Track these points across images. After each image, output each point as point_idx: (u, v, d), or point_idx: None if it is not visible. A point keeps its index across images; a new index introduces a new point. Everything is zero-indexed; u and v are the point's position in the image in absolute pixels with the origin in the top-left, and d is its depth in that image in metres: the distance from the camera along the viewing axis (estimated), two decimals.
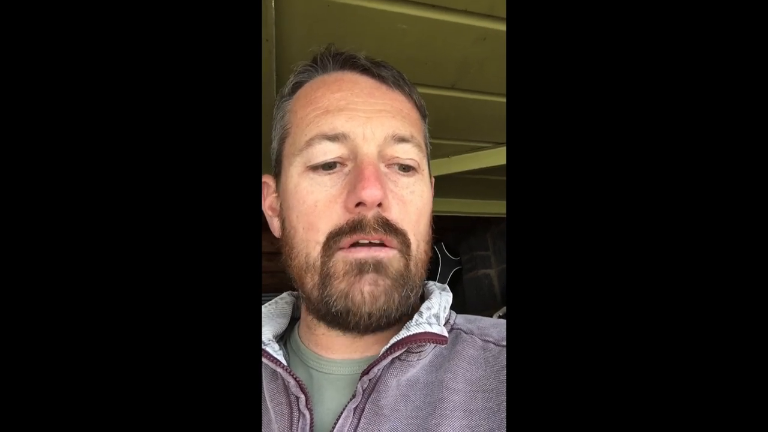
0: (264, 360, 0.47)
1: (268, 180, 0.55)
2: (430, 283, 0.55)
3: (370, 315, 0.45)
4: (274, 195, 0.53)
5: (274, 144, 0.53)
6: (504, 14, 0.75)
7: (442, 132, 1.15)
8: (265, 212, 0.55)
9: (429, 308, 0.49)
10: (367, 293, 0.44)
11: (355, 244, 0.45)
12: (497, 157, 1.30)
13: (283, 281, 0.53)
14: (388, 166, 0.48)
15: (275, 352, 0.47)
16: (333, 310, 0.45)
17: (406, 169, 0.48)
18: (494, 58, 0.85)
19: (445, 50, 0.82)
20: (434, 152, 1.18)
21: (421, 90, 0.96)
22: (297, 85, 0.52)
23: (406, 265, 0.47)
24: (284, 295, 0.59)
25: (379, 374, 0.46)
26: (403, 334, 0.46)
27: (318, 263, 0.46)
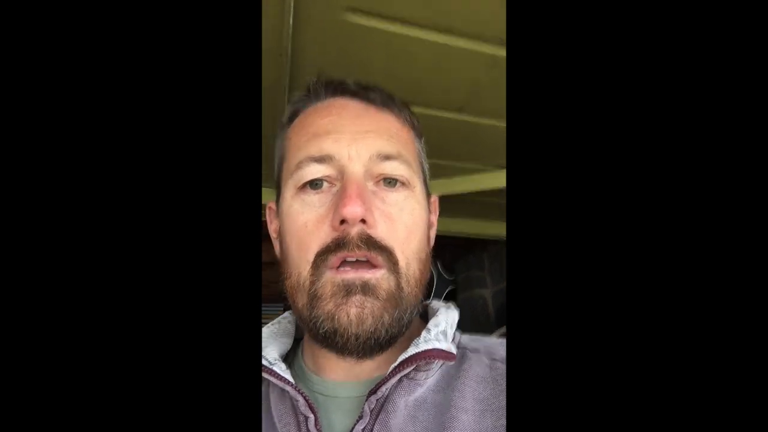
0: (273, 379, 0.47)
1: (272, 205, 0.57)
2: (435, 301, 0.56)
3: (357, 336, 0.45)
4: (277, 219, 0.55)
5: (276, 170, 0.56)
6: None
7: (445, 153, 1.15)
8: (271, 236, 0.57)
9: (436, 325, 0.49)
10: (354, 315, 0.45)
11: (343, 263, 0.46)
12: (497, 179, 1.31)
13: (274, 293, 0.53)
14: (376, 183, 0.49)
15: (283, 371, 0.47)
16: (321, 331, 0.46)
17: (393, 184, 0.49)
18: (503, 83, 0.86)
19: (455, 74, 0.83)
20: (436, 172, 1.19)
21: (428, 112, 0.98)
22: (293, 114, 0.55)
23: (398, 284, 0.47)
24: (286, 314, 0.59)
25: (386, 394, 0.46)
26: (412, 351, 0.46)
27: (307, 283, 0.47)
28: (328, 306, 0.45)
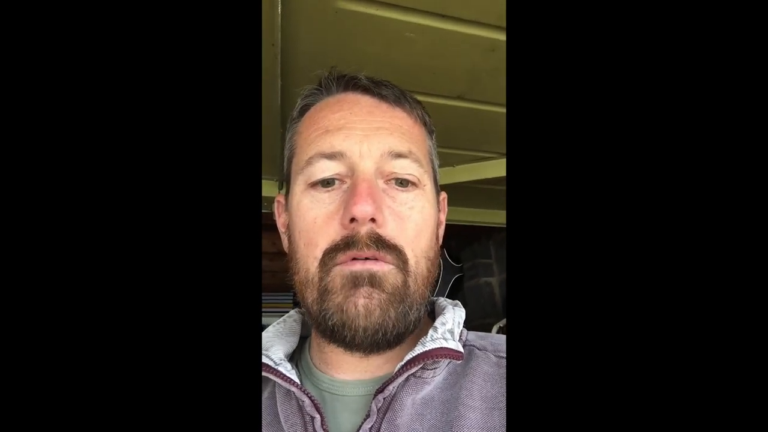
0: (278, 380, 0.47)
1: (281, 199, 0.57)
2: (441, 299, 0.56)
3: (365, 329, 0.45)
4: (285, 213, 0.55)
5: (285, 164, 0.55)
6: None
7: (447, 141, 1.14)
8: (279, 230, 0.57)
9: (443, 323, 0.49)
10: (362, 306, 0.45)
11: (353, 259, 0.46)
12: (502, 168, 1.30)
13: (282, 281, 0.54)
14: (387, 182, 0.49)
15: (288, 371, 0.47)
16: (330, 323, 0.46)
17: (404, 184, 0.49)
18: (503, 69, 0.84)
19: (454, 60, 0.81)
20: (440, 161, 1.18)
21: (428, 99, 0.96)
22: (304, 109, 0.54)
23: (404, 281, 0.47)
24: (292, 312, 0.60)
25: (394, 392, 0.46)
26: (419, 349, 0.46)
27: (316, 278, 0.47)
28: (337, 299, 0.46)
